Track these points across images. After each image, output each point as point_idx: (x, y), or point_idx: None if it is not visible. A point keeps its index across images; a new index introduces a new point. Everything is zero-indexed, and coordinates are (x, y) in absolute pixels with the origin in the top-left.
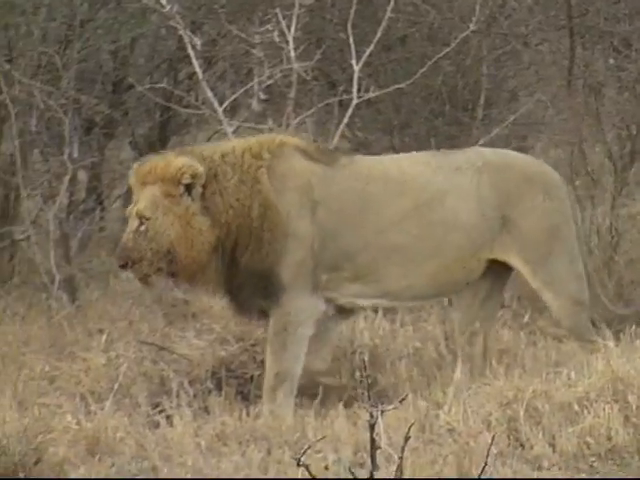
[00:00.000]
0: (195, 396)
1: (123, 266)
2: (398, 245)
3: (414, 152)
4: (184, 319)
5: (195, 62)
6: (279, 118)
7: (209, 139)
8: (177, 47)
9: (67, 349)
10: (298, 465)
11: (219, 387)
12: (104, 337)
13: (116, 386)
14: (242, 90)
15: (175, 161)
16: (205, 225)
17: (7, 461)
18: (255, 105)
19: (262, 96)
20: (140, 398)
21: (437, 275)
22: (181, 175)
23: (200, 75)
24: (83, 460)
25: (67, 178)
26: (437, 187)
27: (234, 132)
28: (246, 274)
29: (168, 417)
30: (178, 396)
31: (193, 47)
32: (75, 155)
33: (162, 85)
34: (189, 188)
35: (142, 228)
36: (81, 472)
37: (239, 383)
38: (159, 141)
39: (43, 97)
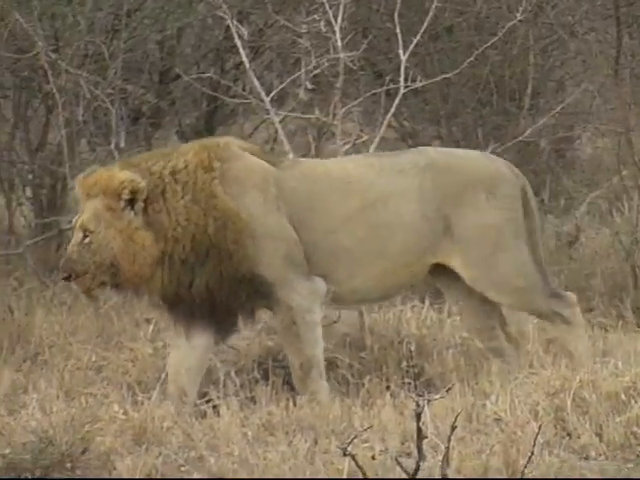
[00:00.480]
0: (242, 386)
1: (67, 278)
2: (345, 247)
3: (358, 154)
4: None
5: (242, 52)
6: (326, 108)
7: (256, 128)
8: (224, 37)
9: (114, 339)
10: (344, 455)
11: (266, 377)
12: (151, 327)
13: (163, 376)
14: (289, 80)
15: (118, 175)
16: (148, 240)
17: (54, 451)
18: (302, 95)
19: (309, 86)
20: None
21: (383, 277)
22: (122, 190)
23: (247, 65)
24: (130, 450)
25: None
26: (380, 189)
27: (281, 122)
28: (229, 283)
29: (215, 407)
30: (225, 386)
31: (240, 37)
32: (122, 145)
33: (209, 75)
34: (132, 202)
35: (86, 241)
36: (127, 462)
37: (286, 373)
38: (206, 131)
39: (90, 87)
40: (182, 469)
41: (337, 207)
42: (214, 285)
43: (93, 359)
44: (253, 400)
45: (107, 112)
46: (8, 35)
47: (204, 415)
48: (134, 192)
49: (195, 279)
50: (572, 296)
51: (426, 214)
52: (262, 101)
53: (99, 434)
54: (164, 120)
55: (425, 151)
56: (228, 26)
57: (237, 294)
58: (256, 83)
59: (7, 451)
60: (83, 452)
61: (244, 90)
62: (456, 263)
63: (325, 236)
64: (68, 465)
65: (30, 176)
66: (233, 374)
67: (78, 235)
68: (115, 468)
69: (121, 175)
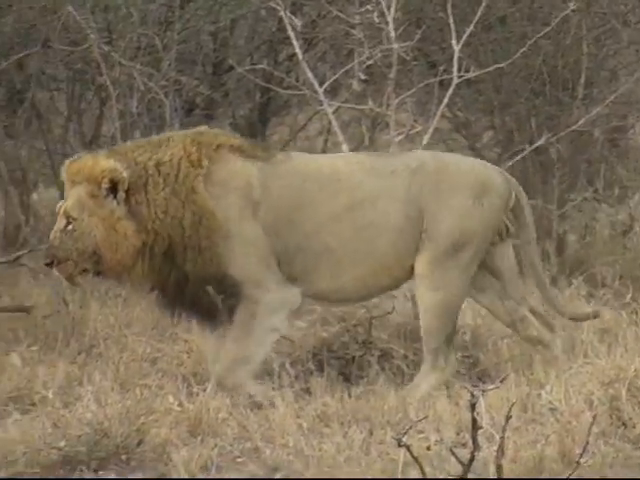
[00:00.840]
0: (297, 377)
1: (49, 264)
2: (330, 246)
3: (350, 152)
4: None
5: (295, 43)
6: (379, 98)
7: (309, 119)
8: (277, 28)
9: (169, 331)
10: (399, 445)
11: (321, 368)
12: None
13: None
14: (342, 71)
15: (101, 163)
16: (130, 230)
17: (109, 443)
18: (355, 85)
19: (362, 76)
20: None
21: (363, 279)
22: (102, 178)
23: (300, 56)
24: (185, 442)
25: None
26: (369, 189)
27: (334, 112)
28: (196, 279)
29: (270, 398)
30: (280, 377)
31: (293, 28)
32: None
33: (262, 66)
34: (114, 191)
35: (69, 228)
36: (183, 454)
37: (340, 364)
38: (259, 122)
39: (143, 79)
40: (238, 460)
41: (325, 205)
42: (183, 279)
43: (148, 351)
44: (308, 391)
45: (161, 104)
46: (61, 28)
47: (259, 406)
48: (113, 182)
49: (172, 272)
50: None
51: (409, 215)
52: (315, 92)
53: (154, 426)
54: (218, 112)
55: (420, 154)
56: (281, 17)
57: (203, 290)
58: (309, 74)
59: (62, 444)
60: (138, 444)
61: (297, 81)
62: (419, 260)
63: (312, 233)
64: (123, 457)
65: None
66: (288, 365)
67: (61, 222)
68: (170, 460)
69: (104, 163)
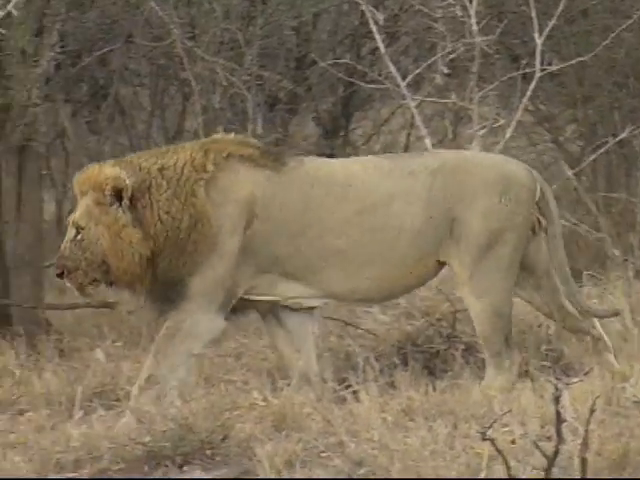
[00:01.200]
0: (381, 371)
1: (59, 275)
2: (340, 248)
3: (369, 156)
4: None
5: (378, 37)
6: (462, 92)
7: (392, 113)
8: (359, 22)
9: (253, 325)
10: (484, 439)
11: (405, 362)
12: None
13: (301, 362)
14: (425, 65)
15: (105, 171)
16: (135, 237)
17: (194, 438)
18: (438, 79)
19: (445, 70)
20: (326, 374)
21: (381, 280)
22: (105, 186)
23: (382, 50)
24: (269, 436)
25: None
26: (385, 191)
27: (417, 106)
28: (161, 280)
29: (354, 392)
30: (364, 371)
31: (375, 22)
32: (259, 131)
33: (345, 60)
34: (120, 199)
35: (78, 237)
36: (267, 448)
37: (425, 358)
38: (343, 116)
39: (226, 74)
40: (322, 455)
41: (333, 209)
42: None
43: (232, 346)
44: (392, 385)
45: (243, 99)
46: (144, 23)
47: (344, 401)
48: (116, 189)
49: (166, 272)
50: (517, 355)
51: (432, 215)
52: (398, 86)
53: (239, 421)
54: (301, 106)
55: (440, 154)
56: (363, 12)
57: (159, 292)
58: (392, 68)
59: (147, 439)
60: (223, 439)
61: (380, 75)
62: (454, 262)
63: (319, 236)
64: (208, 452)
65: None
66: (372, 359)
67: (71, 232)
68: (255, 455)
69: (108, 171)
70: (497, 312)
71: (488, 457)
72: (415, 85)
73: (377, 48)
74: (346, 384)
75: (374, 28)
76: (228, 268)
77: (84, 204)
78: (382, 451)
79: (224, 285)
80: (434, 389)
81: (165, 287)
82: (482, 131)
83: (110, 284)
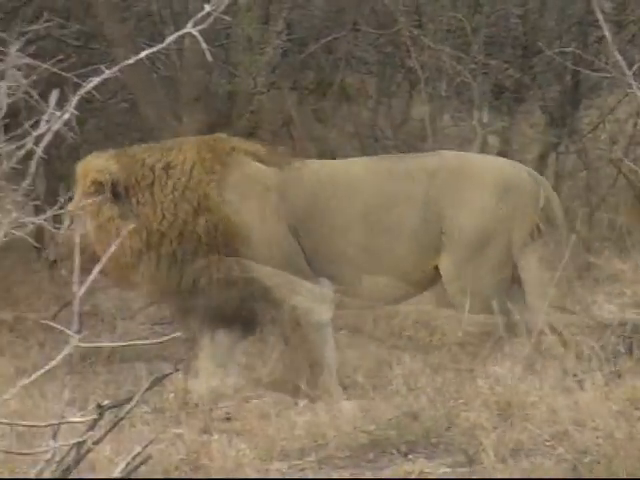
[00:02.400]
0: (606, 360)
1: (54, 262)
2: (344, 252)
3: (370, 157)
4: (595, 283)
5: (604, 25)
6: None
7: (619, 102)
8: (586, 11)
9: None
10: None
11: (630, 351)
12: None
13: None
14: None
15: (92, 162)
16: (123, 230)
17: (419, 427)
18: None
19: None
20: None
21: (385, 284)
22: (87, 178)
23: (609, 38)
24: (495, 425)
25: (477, 143)
26: (384, 194)
27: None
28: (219, 286)
29: (579, 381)
30: (589, 360)
31: (602, 11)
32: (485, 120)
33: (571, 49)
34: (115, 192)
35: (72, 227)
36: (493, 437)
37: None
38: (570, 104)
39: (452, 62)
40: (546, 444)
41: (337, 211)
42: (204, 286)
43: (458, 335)
44: (618, 374)
45: (469, 87)
46: (370, 11)
47: (569, 390)
48: (96, 181)
49: (184, 276)
50: None
51: (426, 218)
52: (624, 75)
53: (464, 409)
54: (527, 94)
55: (441, 155)
56: (590, 0)
57: (231, 297)
58: (618, 57)
59: (372, 427)
60: (448, 428)
61: (606, 64)
62: (444, 262)
63: (324, 239)
64: (433, 441)
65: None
66: (597, 348)
67: (66, 221)
68: (481, 443)
69: (94, 162)
70: (484, 312)
71: None
72: None
73: (603, 36)
74: (571, 373)
75: (600, 16)
76: (285, 247)
77: (78, 194)
78: (606, 440)
79: (294, 260)
80: None
81: (236, 292)
82: None
83: (104, 275)
